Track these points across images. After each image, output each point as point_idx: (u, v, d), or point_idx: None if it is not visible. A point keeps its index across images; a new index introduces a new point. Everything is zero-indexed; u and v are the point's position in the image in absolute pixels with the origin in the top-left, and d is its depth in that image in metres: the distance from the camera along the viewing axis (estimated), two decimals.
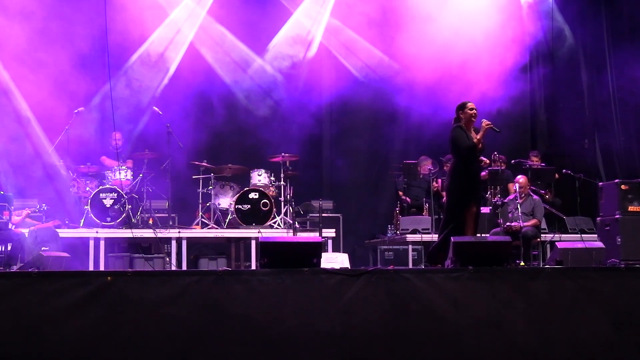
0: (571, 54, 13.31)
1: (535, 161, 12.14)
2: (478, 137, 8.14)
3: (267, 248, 6.80)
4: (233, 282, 6.27)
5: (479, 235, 8.57)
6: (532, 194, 10.68)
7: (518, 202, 10.14)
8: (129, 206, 10.38)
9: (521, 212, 10.04)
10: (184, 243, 10.29)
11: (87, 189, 10.56)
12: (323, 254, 7.22)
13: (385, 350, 6.29)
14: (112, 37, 11.91)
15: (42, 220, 10.09)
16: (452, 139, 8.22)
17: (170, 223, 10.71)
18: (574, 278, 6.66)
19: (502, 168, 11.22)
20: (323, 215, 10.84)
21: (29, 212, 9.60)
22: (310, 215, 11.76)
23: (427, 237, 10.67)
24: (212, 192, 11.07)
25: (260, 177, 11.20)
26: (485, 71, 12.10)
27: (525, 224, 10.05)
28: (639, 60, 12.76)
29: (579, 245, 8.75)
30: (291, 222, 10.77)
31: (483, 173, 9.30)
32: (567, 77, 13.21)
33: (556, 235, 11.01)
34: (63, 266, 8.51)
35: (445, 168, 10.92)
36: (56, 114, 10.96)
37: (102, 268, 9.77)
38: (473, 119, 8.27)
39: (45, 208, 9.77)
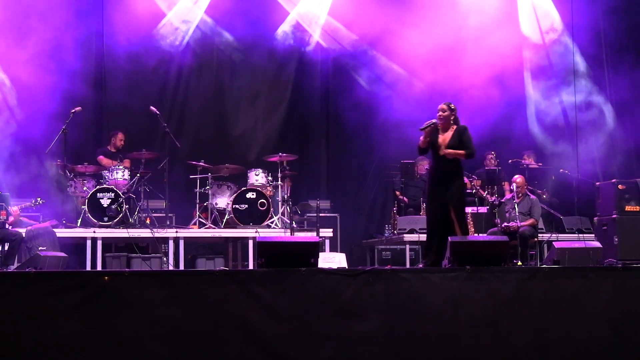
0: (568, 52, 13.30)
1: (530, 160, 12.13)
2: (421, 138, 8.05)
3: (264, 248, 6.79)
4: (230, 282, 6.26)
5: (476, 235, 8.57)
6: (529, 193, 10.69)
7: (515, 202, 10.14)
8: (126, 206, 10.36)
9: (518, 212, 10.05)
10: (182, 243, 10.26)
11: (85, 188, 10.53)
12: (320, 254, 7.24)
13: (382, 350, 6.29)
14: (108, 37, 11.97)
15: (39, 220, 10.08)
16: None
17: (168, 223, 10.69)
18: (571, 278, 6.67)
19: (497, 168, 11.22)
20: (320, 215, 10.86)
21: (22, 206, 9.54)
22: (308, 214, 11.75)
23: (424, 237, 10.62)
24: (210, 192, 11.05)
25: (257, 177, 11.18)
26: (483, 69, 12.11)
27: (523, 223, 10.05)
28: (637, 59, 12.78)
29: (576, 245, 8.77)
30: (288, 221, 10.76)
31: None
32: (564, 74, 13.20)
33: (553, 235, 11.02)
34: (60, 266, 8.51)
35: None
36: (53, 113, 10.94)
37: (99, 268, 9.74)
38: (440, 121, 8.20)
39: (41, 202, 9.73)
